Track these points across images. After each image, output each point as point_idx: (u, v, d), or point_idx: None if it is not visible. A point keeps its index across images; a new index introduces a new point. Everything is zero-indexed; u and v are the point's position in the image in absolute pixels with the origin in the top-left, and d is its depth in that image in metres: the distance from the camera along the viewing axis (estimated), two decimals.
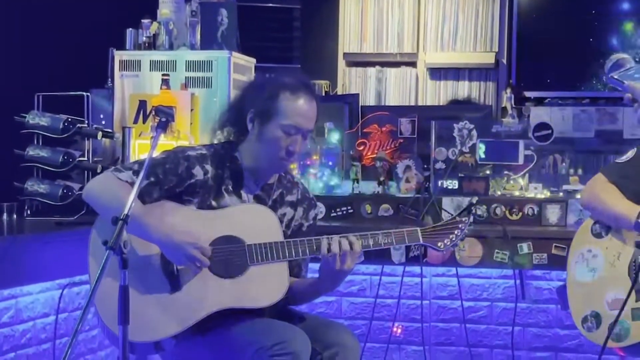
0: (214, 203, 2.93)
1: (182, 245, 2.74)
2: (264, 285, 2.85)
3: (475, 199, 3.40)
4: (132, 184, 2.79)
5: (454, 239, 2.96)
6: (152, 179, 2.70)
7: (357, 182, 3.94)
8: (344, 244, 2.74)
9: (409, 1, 5.47)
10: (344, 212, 3.67)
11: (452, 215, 3.10)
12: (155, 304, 2.81)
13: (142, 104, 4.08)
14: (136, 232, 2.68)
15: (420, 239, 2.91)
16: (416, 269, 3.53)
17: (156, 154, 2.84)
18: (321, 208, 3.83)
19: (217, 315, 2.81)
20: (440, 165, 3.78)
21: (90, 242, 2.88)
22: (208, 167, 2.93)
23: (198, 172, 2.89)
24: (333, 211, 3.69)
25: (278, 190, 3.03)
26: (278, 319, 2.90)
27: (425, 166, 3.87)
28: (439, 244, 2.94)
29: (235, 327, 2.81)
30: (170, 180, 2.80)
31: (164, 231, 2.76)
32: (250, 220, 2.92)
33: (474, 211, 3.18)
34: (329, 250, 2.74)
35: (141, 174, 2.48)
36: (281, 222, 3.00)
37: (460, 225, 2.97)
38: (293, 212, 3.05)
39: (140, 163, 2.91)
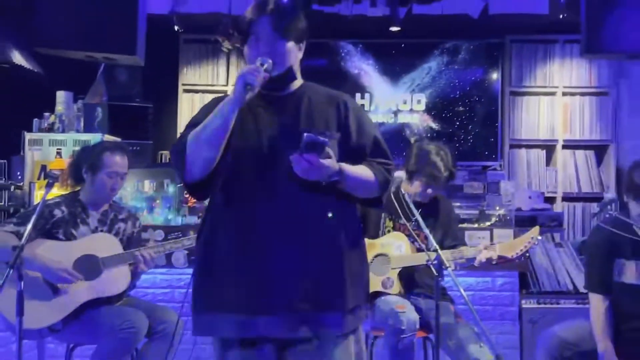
0: (73, 231, 3.38)
1: (55, 271, 3.23)
2: (115, 280, 3.38)
3: None
4: (14, 232, 3.23)
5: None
6: (28, 223, 2.93)
7: (185, 216, 4.58)
8: (152, 253, 3.41)
9: None
10: (176, 236, 3.68)
11: None
12: (42, 303, 3.24)
13: (43, 167, 4.63)
14: (28, 264, 3.09)
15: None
16: None
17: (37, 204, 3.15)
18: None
19: (85, 306, 3.29)
20: None
21: None
22: (63, 208, 3.41)
23: (57, 212, 3.38)
24: (169, 235, 3.76)
25: (112, 213, 3.55)
26: (126, 306, 3.39)
27: None
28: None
29: (98, 312, 3.32)
30: (40, 222, 3.23)
31: (43, 263, 3.23)
32: (100, 243, 3.42)
33: None
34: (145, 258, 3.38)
35: (32, 219, 2.84)
36: (119, 233, 3.50)
37: None
38: (125, 225, 3.57)
39: (18, 216, 3.39)
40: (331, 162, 2.20)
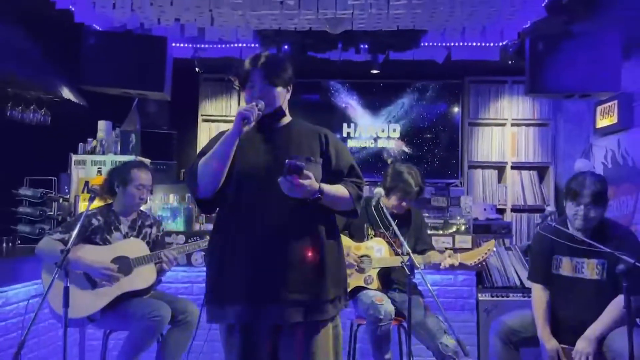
0: (108, 237, 3.33)
1: (97, 269, 3.21)
2: (143, 277, 3.33)
3: None
4: (60, 239, 3.18)
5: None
6: (72, 231, 2.88)
7: (202, 224, 4.52)
8: (175, 254, 3.35)
9: None
10: (195, 239, 3.56)
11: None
12: (83, 297, 3.20)
13: (86, 183, 4.55)
14: (73, 265, 3.13)
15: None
16: None
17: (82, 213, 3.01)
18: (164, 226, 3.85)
19: (120, 298, 3.25)
20: None
21: (42, 278, 3.27)
22: (99, 217, 3.37)
23: (94, 221, 3.34)
24: (189, 239, 3.61)
25: (140, 220, 3.48)
26: (153, 299, 3.33)
27: None
28: None
29: (130, 303, 3.26)
30: (81, 230, 3.17)
31: (87, 263, 3.20)
32: (130, 246, 3.36)
33: None
34: (169, 258, 3.33)
35: (76, 229, 2.75)
36: (146, 237, 3.42)
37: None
38: (150, 230, 3.49)
39: (64, 225, 3.30)
40: (310, 182, 2.19)
